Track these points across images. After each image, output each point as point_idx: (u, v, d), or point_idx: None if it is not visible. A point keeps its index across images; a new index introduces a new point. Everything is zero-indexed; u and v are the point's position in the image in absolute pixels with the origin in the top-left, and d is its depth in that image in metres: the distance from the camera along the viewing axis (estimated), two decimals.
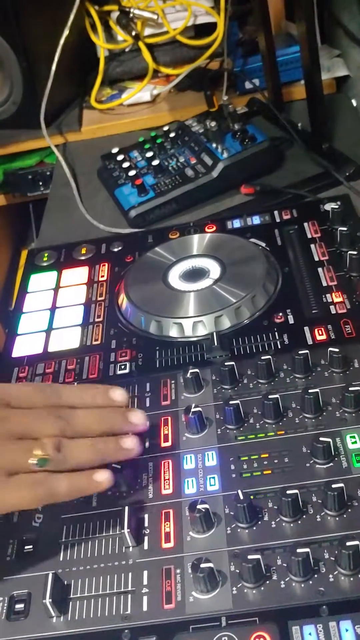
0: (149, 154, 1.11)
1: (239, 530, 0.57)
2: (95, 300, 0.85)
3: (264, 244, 0.87)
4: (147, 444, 0.65)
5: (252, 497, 0.57)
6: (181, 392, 0.70)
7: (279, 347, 0.72)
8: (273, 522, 0.57)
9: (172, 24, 1.33)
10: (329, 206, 0.90)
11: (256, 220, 0.93)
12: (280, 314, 0.76)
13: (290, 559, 0.52)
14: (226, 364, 0.68)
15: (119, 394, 0.61)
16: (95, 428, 0.58)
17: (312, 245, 0.85)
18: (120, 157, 1.13)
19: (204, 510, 0.56)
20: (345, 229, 0.83)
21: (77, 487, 0.55)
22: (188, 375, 0.69)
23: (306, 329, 0.74)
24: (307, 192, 0.99)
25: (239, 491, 0.56)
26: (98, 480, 0.56)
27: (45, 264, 0.94)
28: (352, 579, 0.52)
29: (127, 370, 0.74)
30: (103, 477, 0.56)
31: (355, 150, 1.06)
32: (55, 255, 0.95)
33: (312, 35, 0.99)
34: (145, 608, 0.53)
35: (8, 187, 1.38)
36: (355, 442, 0.61)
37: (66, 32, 1.22)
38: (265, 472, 0.60)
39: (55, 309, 0.86)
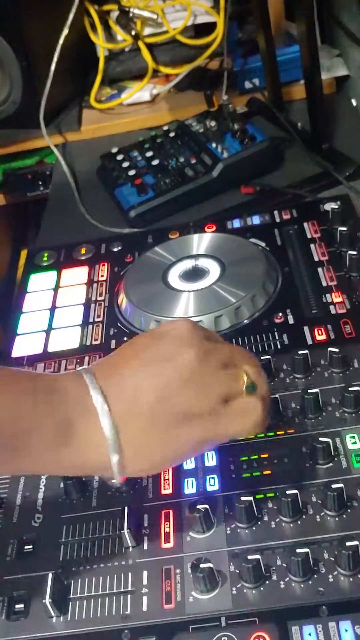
0: (149, 154, 1.11)
1: (238, 530, 0.57)
2: (95, 300, 0.85)
3: (263, 244, 0.87)
4: None
5: (251, 497, 0.57)
6: None
7: (279, 347, 0.72)
8: (273, 523, 0.57)
9: (171, 24, 1.33)
10: (328, 206, 0.90)
11: (256, 220, 0.93)
12: (280, 314, 0.76)
13: (289, 559, 0.52)
14: None
15: None
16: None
17: (312, 245, 0.85)
18: (119, 157, 1.13)
19: (203, 510, 0.56)
20: (345, 229, 0.83)
21: (267, 418, 0.55)
22: None
23: (306, 329, 0.74)
24: (307, 192, 1.00)
25: (241, 497, 0.56)
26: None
27: (45, 264, 0.94)
28: (351, 579, 0.52)
29: None
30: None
31: (355, 150, 1.06)
32: (55, 255, 0.95)
33: (312, 35, 0.99)
34: (145, 608, 0.53)
35: (7, 187, 1.37)
36: (355, 442, 0.61)
37: (66, 31, 1.22)
38: (265, 473, 0.61)
39: (55, 308, 0.86)
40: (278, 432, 0.64)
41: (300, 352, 0.68)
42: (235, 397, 0.53)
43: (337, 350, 0.68)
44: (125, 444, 0.50)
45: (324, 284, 0.79)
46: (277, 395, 0.64)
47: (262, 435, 0.63)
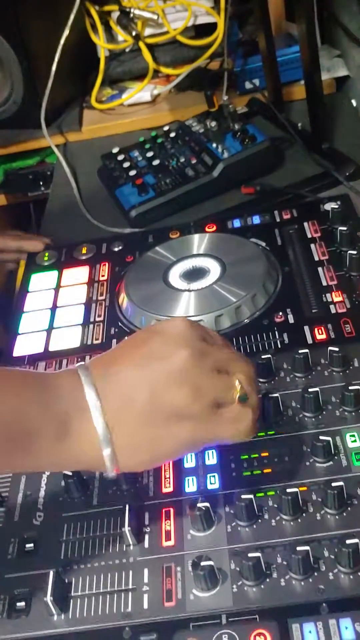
0: (150, 154, 1.11)
1: (239, 528, 0.57)
2: (96, 299, 0.86)
3: (264, 244, 0.87)
4: None
5: (252, 495, 0.57)
6: None
7: (279, 346, 0.73)
8: (273, 521, 0.57)
9: (172, 24, 1.33)
10: (329, 206, 0.90)
11: (256, 220, 0.93)
12: (281, 314, 0.76)
13: (290, 557, 0.53)
14: None
15: None
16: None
17: (312, 245, 0.85)
18: (120, 157, 1.14)
19: (204, 508, 0.56)
20: (345, 228, 0.83)
21: (255, 426, 0.56)
22: None
23: (306, 328, 0.74)
24: (307, 192, 1.00)
25: (242, 496, 0.56)
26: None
27: (46, 264, 0.94)
28: (351, 577, 0.52)
29: None
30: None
31: (355, 150, 1.06)
32: (56, 254, 0.95)
33: (312, 35, 0.99)
34: (145, 606, 0.54)
35: (9, 187, 1.38)
36: (355, 440, 0.61)
37: (67, 32, 1.22)
38: (265, 471, 0.61)
39: (56, 308, 0.86)
40: (279, 431, 0.64)
41: (300, 351, 0.68)
42: (226, 404, 0.54)
43: (337, 349, 0.68)
44: (117, 439, 0.52)
45: (324, 283, 0.79)
46: (277, 394, 0.65)
47: (263, 433, 0.63)
